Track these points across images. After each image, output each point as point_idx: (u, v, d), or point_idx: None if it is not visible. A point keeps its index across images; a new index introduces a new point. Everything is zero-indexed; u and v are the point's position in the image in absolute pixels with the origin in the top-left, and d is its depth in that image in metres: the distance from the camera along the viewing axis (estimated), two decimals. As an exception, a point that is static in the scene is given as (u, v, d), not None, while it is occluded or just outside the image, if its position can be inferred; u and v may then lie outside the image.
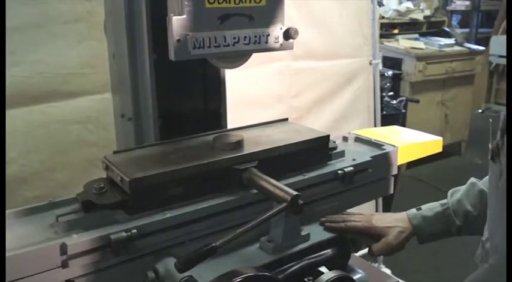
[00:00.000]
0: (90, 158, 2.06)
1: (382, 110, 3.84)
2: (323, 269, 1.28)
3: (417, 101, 4.92)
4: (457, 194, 1.50)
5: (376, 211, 3.45)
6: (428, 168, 5.02)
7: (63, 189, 2.02)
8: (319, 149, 1.51)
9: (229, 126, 1.63)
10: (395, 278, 1.92)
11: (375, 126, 3.49)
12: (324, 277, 1.23)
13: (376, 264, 3.35)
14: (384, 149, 1.64)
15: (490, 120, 1.16)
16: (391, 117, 4.30)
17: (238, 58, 1.36)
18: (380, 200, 3.47)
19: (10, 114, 1.81)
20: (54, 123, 2.03)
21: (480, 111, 7.37)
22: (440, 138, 1.82)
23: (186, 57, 1.23)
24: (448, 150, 1.69)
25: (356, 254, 1.84)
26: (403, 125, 4.30)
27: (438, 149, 1.81)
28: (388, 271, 3.25)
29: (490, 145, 1.14)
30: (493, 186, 1.18)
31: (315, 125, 1.65)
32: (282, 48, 1.37)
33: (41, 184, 2.02)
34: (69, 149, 2.07)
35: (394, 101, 4.62)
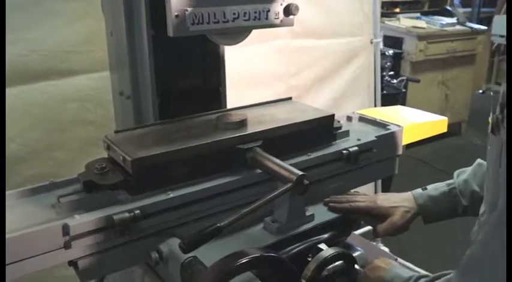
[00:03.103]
0: (89, 136, 2.04)
1: (382, 89, 3.81)
2: (322, 245, 1.27)
3: (418, 81, 4.88)
4: (463, 174, 1.48)
5: (375, 191, 3.45)
6: (428, 148, 5.01)
7: (61, 167, 2.01)
8: (324, 128, 1.49)
9: (228, 105, 1.61)
10: (394, 256, 1.92)
11: (375, 105, 3.47)
12: (323, 254, 1.23)
13: (374, 243, 3.36)
14: (389, 129, 1.62)
15: (491, 93, 1.15)
16: (391, 96, 4.27)
17: (238, 34, 1.35)
18: (379, 180, 3.46)
19: (7, 92, 1.79)
20: (52, 101, 2.00)
21: (481, 91, 7.34)
22: (445, 118, 1.80)
23: (185, 34, 1.22)
24: (448, 131, 1.67)
25: (355, 232, 1.84)
26: (403, 105, 4.27)
27: (443, 129, 1.79)
28: (386, 249, 3.26)
29: (489, 118, 1.12)
30: (491, 159, 1.16)
31: (315, 104, 1.63)
32: (282, 24, 1.36)
33: (40, 163, 2.00)
34: (67, 128, 2.05)
35: (395, 81, 4.58)
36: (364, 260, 1.37)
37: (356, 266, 1.26)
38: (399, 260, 1.84)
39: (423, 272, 1.23)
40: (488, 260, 0.94)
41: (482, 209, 1.26)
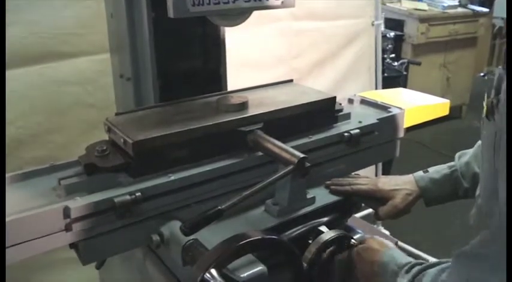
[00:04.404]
0: (89, 119, 2.03)
1: (383, 72, 3.80)
2: (323, 228, 1.27)
3: (419, 63, 4.86)
4: (465, 156, 1.48)
5: (376, 174, 3.45)
6: (429, 131, 5.00)
7: (61, 150, 2.00)
8: (325, 111, 1.48)
9: (228, 88, 1.60)
10: (394, 238, 1.93)
11: (376, 88, 3.46)
12: (324, 236, 1.23)
13: (375, 226, 3.38)
14: (391, 112, 1.61)
15: (485, 77, 1.13)
16: (392, 79, 4.26)
17: (238, 16, 1.34)
18: (380, 163, 3.46)
19: (6, 75, 1.77)
20: (51, 84, 1.99)
21: (482, 74, 7.31)
22: (447, 101, 1.79)
23: (185, 15, 1.21)
24: (449, 114, 1.66)
25: (356, 215, 1.84)
26: (404, 88, 4.26)
27: (445, 111, 1.79)
28: (387, 232, 3.28)
29: (484, 103, 1.11)
30: (485, 144, 1.15)
31: (316, 86, 1.63)
32: (283, 6, 1.35)
33: (40, 146, 2.00)
34: (67, 111, 2.04)
35: (396, 63, 4.56)
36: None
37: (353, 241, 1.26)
38: (400, 243, 1.85)
39: (422, 255, 1.24)
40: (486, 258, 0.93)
41: (478, 191, 1.25)
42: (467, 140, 1.59)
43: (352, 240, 1.28)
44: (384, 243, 1.27)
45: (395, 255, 1.21)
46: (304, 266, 1.20)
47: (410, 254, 3.34)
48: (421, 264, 1.14)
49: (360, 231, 1.42)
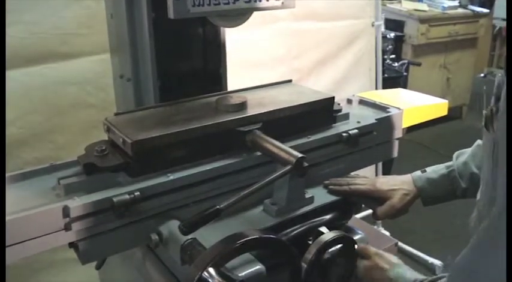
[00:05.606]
0: (89, 119, 2.03)
1: (383, 72, 3.79)
2: (323, 229, 1.28)
3: (419, 64, 4.86)
4: (462, 156, 1.48)
5: (376, 174, 3.45)
6: (429, 132, 5.01)
7: (62, 150, 2.00)
8: (324, 111, 1.49)
9: (228, 88, 1.60)
10: (395, 239, 1.93)
11: (376, 88, 3.46)
12: (324, 237, 1.23)
13: (375, 227, 3.38)
14: (389, 112, 1.62)
15: (484, 87, 1.13)
16: (392, 80, 4.25)
17: (239, 16, 1.34)
18: (380, 164, 3.47)
19: (7, 75, 1.78)
20: (51, 84, 2.00)
21: (482, 75, 7.30)
22: (445, 101, 1.79)
23: (186, 15, 1.22)
24: (449, 114, 1.68)
25: (356, 216, 1.84)
26: (404, 88, 4.25)
27: (443, 112, 1.79)
28: (387, 233, 3.28)
29: (484, 111, 1.11)
30: (486, 153, 1.15)
31: (316, 86, 1.63)
32: (283, 6, 1.36)
33: (40, 146, 2.00)
34: (67, 111, 2.05)
35: (396, 64, 4.55)
36: (365, 243, 1.38)
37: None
38: (400, 243, 1.85)
39: (422, 255, 1.23)
40: (482, 265, 0.92)
41: (478, 195, 1.25)
42: (468, 140, 1.59)
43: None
44: (391, 261, 1.25)
45: (402, 273, 1.21)
46: (303, 266, 1.20)
47: (410, 254, 3.37)
48: (428, 279, 1.14)
49: (360, 231, 1.42)
